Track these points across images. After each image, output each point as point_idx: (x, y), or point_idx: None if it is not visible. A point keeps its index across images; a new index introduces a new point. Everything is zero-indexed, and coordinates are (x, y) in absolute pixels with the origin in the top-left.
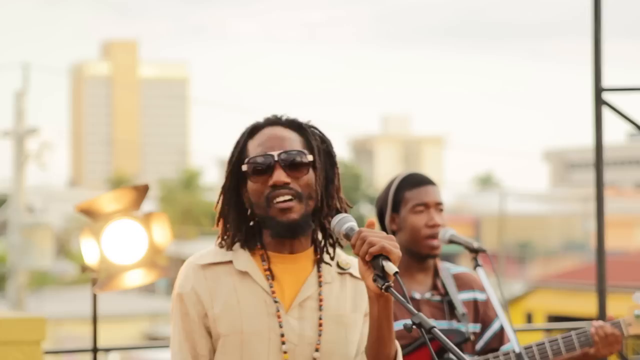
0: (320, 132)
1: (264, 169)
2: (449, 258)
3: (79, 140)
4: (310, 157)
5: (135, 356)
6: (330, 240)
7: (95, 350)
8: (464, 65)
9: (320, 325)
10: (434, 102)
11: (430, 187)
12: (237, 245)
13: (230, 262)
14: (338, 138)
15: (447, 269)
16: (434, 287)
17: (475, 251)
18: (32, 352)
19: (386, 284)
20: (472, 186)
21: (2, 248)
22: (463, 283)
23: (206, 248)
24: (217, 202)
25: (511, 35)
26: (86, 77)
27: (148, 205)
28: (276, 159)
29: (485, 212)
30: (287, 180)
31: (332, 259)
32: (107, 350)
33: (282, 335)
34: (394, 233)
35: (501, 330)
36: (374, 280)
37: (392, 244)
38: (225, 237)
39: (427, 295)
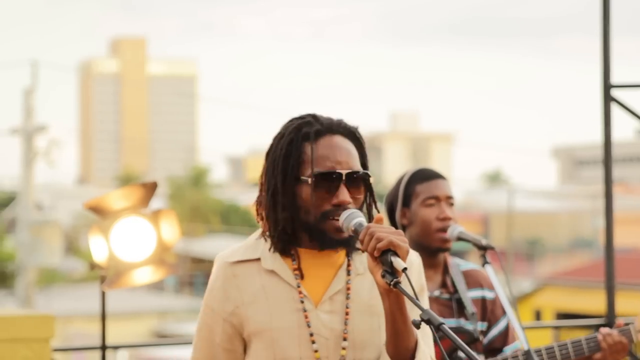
0: (363, 140)
1: (329, 185)
2: (458, 255)
3: (87, 138)
4: (372, 178)
5: (144, 354)
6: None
7: (104, 347)
8: (473, 62)
9: (347, 314)
10: (442, 99)
11: (440, 180)
12: (268, 242)
13: (259, 259)
14: None
15: (457, 265)
16: (443, 285)
17: (483, 248)
18: (41, 349)
19: (394, 280)
20: (481, 183)
21: (11, 245)
22: (472, 280)
23: (221, 249)
24: (265, 201)
25: (519, 32)
26: (95, 75)
27: (156, 203)
28: (344, 178)
29: (494, 209)
30: (351, 200)
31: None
32: (116, 347)
33: (311, 335)
34: (404, 228)
35: (506, 330)
36: (383, 276)
37: (400, 239)
38: (274, 238)
39: (436, 293)
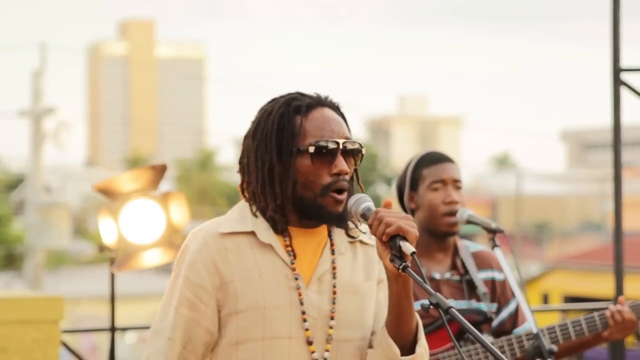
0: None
1: (329, 155)
2: (467, 238)
3: (95, 120)
4: (364, 150)
5: None
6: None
7: (113, 329)
8: (481, 45)
9: (334, 294)
10: (450, 83)
11: (448, 164)
12: (259, 216)
13: (252, 232)
14: (354, 118)
15: (466, 247)
16: (454, 267)
17: (493, 231)
18: (50, 331)
19: (403, 264)
20: (489, 166)
21: (19, 227)
22: (482, 262)
23: (220, 217)
24: (259, 178)
25: (529, 16)
26: (103, 57)
27: (164, 185)
28: (341, 147)
29: (502, 193)
30: (348, 170)
31: (345, 229)
32: (124, 329)
33: (303, 313)
34: (412, 212)
35: (516, 311)
36: (391, 261)
37: (409, 224)
38: (274, 213)
39: (447, 275)
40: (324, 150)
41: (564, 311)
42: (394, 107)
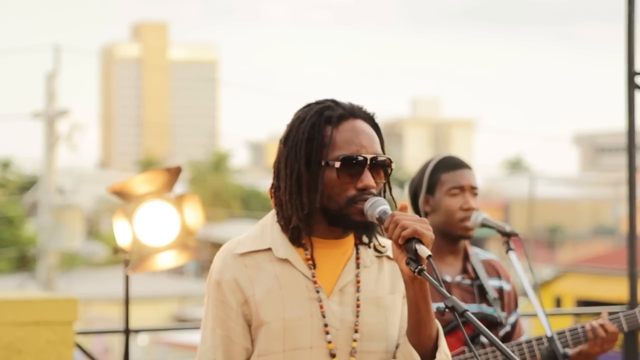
0: (379, 126)
1: (354, 169)
2: (480, 241)
3: (109, 122)
4: (393, 164)
5: (164, 337)
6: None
7: (127, 331)
8: (494, 48)
9: (358, 307)
10: (463, 85)
11: (466, 170)
12: (277, 231)
13: (269, 249)
14: None
15: (476, 254)
16: (464, 271)
17: (507, 235)
18: (64, 332)
19: (419, 267)
20: (502, 170)
21: (32, 229)
22: (491, 270)
23: (242, 234)
24: (287, 186)
25: (542, 19)
26: (116, 59)
27: (179, 188)
28: (368, 162)
29: (515, 196)
30: (375, 185)
31: (370, 242)
32: (137, 331)
33: (326, 325)
34: (426, 215)
35: (516, 324)
36: (407, 264)
37: (424, 227)
38: (300, 222)
39: (458, 278)
40: (351, 166)
41: (576, 315)
42: (407, 110)
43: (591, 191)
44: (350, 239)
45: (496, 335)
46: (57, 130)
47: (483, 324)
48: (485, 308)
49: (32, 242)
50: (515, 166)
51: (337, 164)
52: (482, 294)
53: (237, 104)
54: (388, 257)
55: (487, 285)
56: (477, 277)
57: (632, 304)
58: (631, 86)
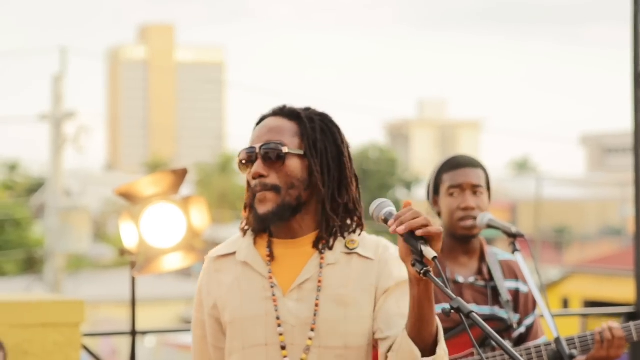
0: (325, 121)
1: (248, 161)
2: (487, 242)
3: (115, 124)
4: (286, 149)
5: (171, 339)
6: (333, 228)
7: (134, 333)
8: (501, 49)
9: (317, 305)
10: (470, 86)
11: (468, 169)
12: (248, 233)
13: (234, 253)
14: (373, 122)
15: (494, 255)
16: (479, 272)
17: (513, 236)
18: (71, 334)
19: (425, 269)
20: (509, 171)
21: (40, 231)
22: (509, 271)
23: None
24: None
25: (549, 19)
26: (123, 61)
27: (184, 189)
28: (257, 150)
29: (522, 197)
30: (264, 172)
31: (330, 248)
32: (144, 333)
33: (278, 318)
34: (439, 215)
35: (533, 326)
36: (413, 265)
37: (421, 221)
38: (245, 225)
39: (471, 279)
40: (243, 161)
41: (583, 316)
42: (413, 111)
43: (598, 192)
44: (311, 239)
45: (508, 338)
46: (63, 132)
47: (493, 326)
48: (497, 310)
49: (39, 244)
50: (522, 167)
51: (237, 159)
52: (495, 296)
53: (243, 106)
54: (359, 255)
55: (501, 287)
56: (491, 279)
57: (639, 304)
58: (637, 86)
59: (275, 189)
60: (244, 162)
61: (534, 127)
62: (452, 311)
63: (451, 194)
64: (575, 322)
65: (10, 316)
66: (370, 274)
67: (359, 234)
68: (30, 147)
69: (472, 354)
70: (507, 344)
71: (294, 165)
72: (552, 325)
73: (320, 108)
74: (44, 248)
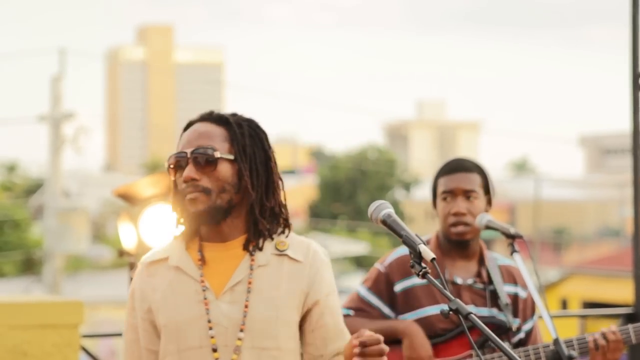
0: (253, 126)
1: (179, 166)
2: (486, 244)
3: (114, 125)
4: (218, 153)
5: None
6: (262, 230)
7: None
8: (500, 50)
9: (246, 307)
10: (469, 88)
11: (460, 174)
12: (180, 238)
13: (167, 258)
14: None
15: (494, 259)
16: (478, 275)
17: (511, 237)
18: (70, 335)
19: (423, 270)
20: (507, 172)
21: (38, 232)
22: (508, 276)
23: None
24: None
25: (547, 21)
26: (122, 62)
27: None
28: (188, 155)
29: (520, 198)
30: (195, 176)
31: (260, 249)
32: None
33: (209, 321)
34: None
35: (532, 331)
36: (412, 267)
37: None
38: (178, 229)
39: (469, 281)
40: (172, 166)
41: (582, 317)
42: (412, 113)
43: (597, 193)
44: (241, 242)
45: (507, 341)
46: (62, 133)
47: (492, 328)
48: (495, 313)
49: (38, 245)
50: (521, 168)
51: (166, 164)
52: (494, 299)
53: (242, 107)
54: (289, 257)
55: (500, 291)
56: (490, 282)
57: (637, 305)
58: (636, 87)
59: (206, 191)
60: (172, 166)
61: (532, 128)
62: (451, 312)
63: (444, 199)
64: (574, 323)
65: (9, 317)
66: (300, 278)
67: (287, 236)
68: (29, 148)
69: (470, 356)
70: (506, 346)
71: (225, 170)
72: (550, 326)
73: (323, 109)
74: (43, 249)
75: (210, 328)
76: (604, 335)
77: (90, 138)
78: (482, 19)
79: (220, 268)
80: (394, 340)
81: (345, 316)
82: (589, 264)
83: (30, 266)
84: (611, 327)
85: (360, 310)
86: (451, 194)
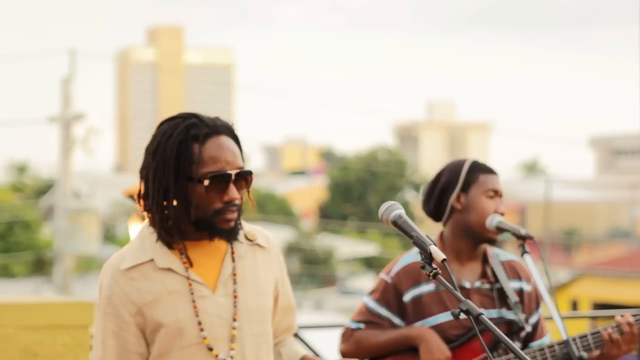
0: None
1: (221, 185)
2: (496, 245)
3: (124, 126)
4: (253, 175)
5: None
6: (239, 223)
7: None
8: (510, 51)
9: (235, 297)
10: (479, 89)
11: (497, 177)
12: (155, 241)
13: (152, 260)
14: (382, 124)
15: (496, 256)
16: (484, 275)
17: (522, 238)
18: (80, 335)
19: (434, 271)
20: (518, 173)
21: (49, 233)
22: (512, 271)
23: (123, 248)
24: (155, 196)
25: (558, 22)
26: (132, 63)
27: None
28: (233, 177)
29: (531, 199)
30: (239, 197)
31: (239, 241)
32: None
33: (200, 316)
34: (452, 212)
35: (538, 323)
36: (422, 267)
37: None
38: (164, 233)
39: (477, 283)
40: (218, 182)
41: (593, 318)
42: (422, 114)
43: (607, 194)
44: None
45: (517, 339)
46: (73, 134)
47: (503, 329)
48: (505, 313)
49: (49, 246)
50: (531, 169)
51: (206, 182)
52: (502, 298)
53: (252, 108)
54: (259, 246)
55: (507, 289)
56: (496, 280)
57: None
58: None
59: (240, 210)
60: (211, 185)
61: (543, 129)
62: (462, 314)
63: (491, 197)
64: (584, 325)
65: (19, 318)
66: (271, 265)
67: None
68: (40, 149)
69: (484, 359)
70: (517, 345)
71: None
72: (561, 327)
73: (333, 110)
74: (53, 250)
75: (203, 322)
76: (619, 328)
77: (101, 139)
78: (492, 20)
79: (208, 264)
80: (409, 348)
81: (356, 329)
82: (600, 265)
83: (40, 267)
84: (626, 315)
85: (370, 323)
86: (496, 193)
